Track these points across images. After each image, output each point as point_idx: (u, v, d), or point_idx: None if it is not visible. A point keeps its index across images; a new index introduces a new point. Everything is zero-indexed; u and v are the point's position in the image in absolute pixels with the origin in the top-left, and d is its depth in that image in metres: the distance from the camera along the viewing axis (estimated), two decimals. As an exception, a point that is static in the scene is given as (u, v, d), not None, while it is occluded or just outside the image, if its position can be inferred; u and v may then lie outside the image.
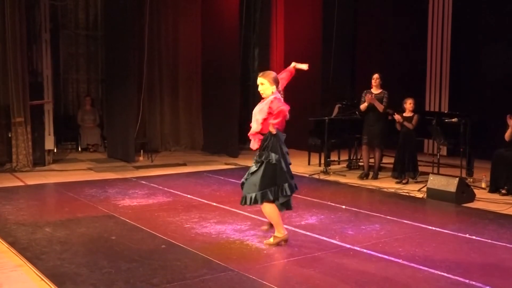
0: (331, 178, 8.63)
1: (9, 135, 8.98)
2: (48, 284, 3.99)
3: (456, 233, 5.44)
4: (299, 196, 7.03)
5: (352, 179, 8.47)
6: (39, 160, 9.32)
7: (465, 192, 6.90)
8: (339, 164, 9.93)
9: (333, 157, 9.88)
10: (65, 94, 11.68)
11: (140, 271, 4.23)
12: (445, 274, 4.23)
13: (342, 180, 8.45)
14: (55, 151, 10.20)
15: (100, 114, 11.65)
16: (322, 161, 9.41)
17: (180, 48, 11.83)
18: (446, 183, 6.92)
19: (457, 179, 6.94)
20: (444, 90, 10.94)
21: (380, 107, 8.14)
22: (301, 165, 9.68)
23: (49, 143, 9.53)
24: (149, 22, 10.70)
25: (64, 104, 11.68)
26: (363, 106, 8.28)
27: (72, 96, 11.80)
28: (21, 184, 7.94)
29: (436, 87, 11.06)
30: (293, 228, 5.48)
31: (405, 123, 8.06)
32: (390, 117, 8.44)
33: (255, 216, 5.94)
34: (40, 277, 4.14)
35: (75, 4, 11.53)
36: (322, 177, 8.71)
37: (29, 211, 6.22)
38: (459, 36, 10.73)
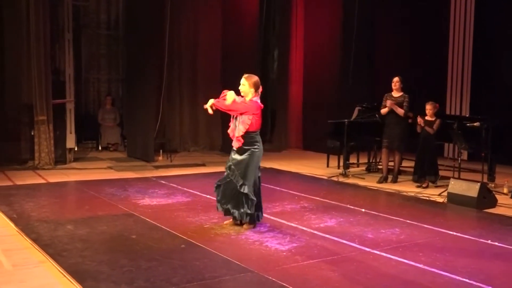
0: (350, 180, 8.60)
1: (32, 133, 9.12)
2: (70, 281, 4.03)
3: (477, 239, 5.38)
4: (317, 198, 7.03)
5: (371, 182, 8.42)
6: (60, 158, 9.45)
7: (486, 197, 6.81)
8: (358, 166, 9.88)
9: (352, 159, 9.84)
10: (86, 93, 11.85)
11: (160, 270, 4.27)
12: (467, 280, 4.19)
13: (361, 183, 8.41)
14: (76, 149, 10.33)
15: (120, 113, 11.76)
16: (341, 164, 9.38)
17: (200, 48, 11.88)
18: (467, 188, 6.84)
19: (478, 184, 6.85)
20: (465, 94, 10.83)
21: (400, 112, 8.06)
22: (319, 168, 9.66)
23: (70, 141, 9.66)
24: (170, 23, 10.78)
25: (85, 103, 11.84)
26: (383, 111, 8.22)
27: (93, 95, 11.97)
28: (43, 181, 8.06)
29: (457, 91, 10.94)
30: (312, 231, 5.48)
31: (426, 128, 7.98)
32: (410, 120, 8.37)
33: (274, 218, 5.96)
34: (62, 273, 4.19)
35: (97, 5, 11.70)
36: (341, 179, 8.68)
37: (51, 208, 6.31)
38: (481, 39, 10.60)
